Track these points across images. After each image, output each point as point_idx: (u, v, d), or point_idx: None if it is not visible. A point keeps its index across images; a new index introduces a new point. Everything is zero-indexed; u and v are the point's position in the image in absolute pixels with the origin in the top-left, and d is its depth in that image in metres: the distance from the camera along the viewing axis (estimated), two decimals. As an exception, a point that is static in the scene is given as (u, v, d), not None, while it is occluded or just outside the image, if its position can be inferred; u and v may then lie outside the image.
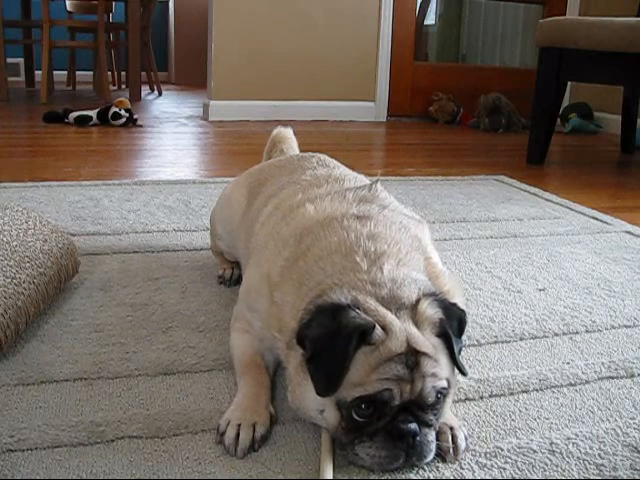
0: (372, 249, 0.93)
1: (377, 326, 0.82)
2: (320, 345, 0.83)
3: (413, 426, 0.82)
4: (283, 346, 0.92)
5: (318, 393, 0.82)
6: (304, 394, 0.86)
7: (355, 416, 0.82)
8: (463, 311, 0.91)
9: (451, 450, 0.85)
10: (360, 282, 0.87)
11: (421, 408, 0.83)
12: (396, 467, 0.83)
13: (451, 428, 0.87)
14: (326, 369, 0.82)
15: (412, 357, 0.82)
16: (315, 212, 1.04)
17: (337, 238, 0.95)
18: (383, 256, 0.92)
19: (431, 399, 0.83)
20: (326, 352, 0.82)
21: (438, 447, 0.85)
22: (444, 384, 0.84)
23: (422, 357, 0.82)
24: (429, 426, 0.83)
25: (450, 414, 0.91)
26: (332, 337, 0.82)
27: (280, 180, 1.25)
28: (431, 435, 0.84)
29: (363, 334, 0.81)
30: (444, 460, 0.85)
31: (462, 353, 1.14)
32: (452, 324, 0.87)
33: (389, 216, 1.03)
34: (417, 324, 0.84)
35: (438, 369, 0.83)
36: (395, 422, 0.81)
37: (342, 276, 0.89)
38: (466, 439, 0.88)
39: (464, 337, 1.19)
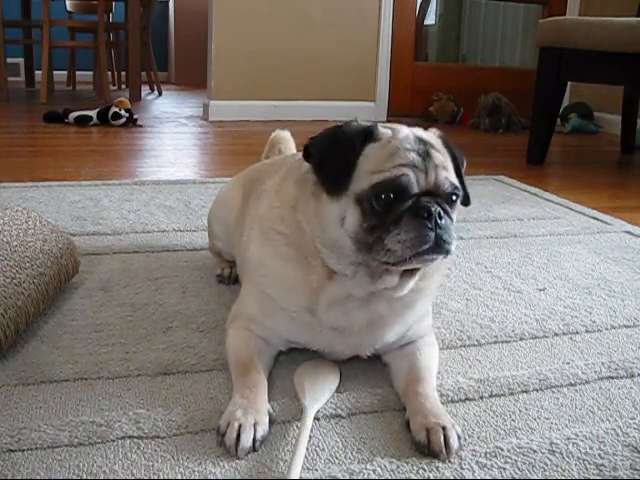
0: None
1: (379, 126, 0.89)
2: (325, 147, 0.89)
3: (437, 207, 0.86)
4: (295, 216, 0.96)
5: (331, 191, 0.87)
6: (323, 212, 0.90)
7: (376, 206, 0.85)
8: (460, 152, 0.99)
9: (443, 450, 0.85)
10: None
11: (440, 196, 0.87)
12: (428, 250, 0.85)
13: (443, 428, 0.87)
14: (334, 164, 0.87)
15: (422, 146, 0.88)
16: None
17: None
18: None
19: (447, 189, 0.88)
20: (332, 151, 0.89)
21: (430, 448, 0.85)
22: (456, 181, 0.90)
23: (432, 149, 0.89)
24: (449, 217, 0.88)
25: (443, 412, 0.91)
26: (337, 138, 0.90)
27: (272, 177, 1.25)
28: (452, 227, 0.87)
29: (368, 132, 0.89)
30: (437, 459, 0.85)
31: (455, 355, 1.15)
32: (455, 151, 0.96)
33: None
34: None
35: (448, 163, 0.90)
36: (419, 203, 0.85)
37: None
38: (459, 438, 0.87)
39: (455, 340, 1.20)
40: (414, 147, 0.88)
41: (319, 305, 0.96)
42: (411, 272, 0.93)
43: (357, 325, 0.98)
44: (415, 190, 0.86)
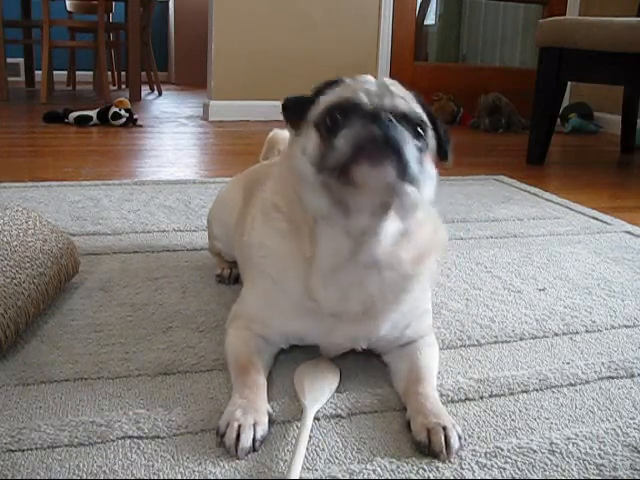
0: None
1: (345, 79, 0.93)
2: (293, 99, 0.96)
3: (390, 117, 0.86)
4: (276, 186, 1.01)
5: (293, 125, 0.94)
6: (291, 153, 0.94)
7: (329, 123, 0.87)
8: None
9: (444, 450, 0.85)
10: None
11: (396, 118, 0.86)
12: (376, 147, 0.84)
13: (444, 428, 0.87)
14: (296, 102, 0.95)
15: (381, 83, 0.92)
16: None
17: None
18: None
19: (402, 109, 0.88)
20: (298, 99, 0.96)
21: (431, 448, 0.85)
22: (422, 114, 0.92)
23: (392, 86, 0.93)
24: (405, 136, 0.86)
25: (444, 412, 0.91)
26: (304, 94, 0.96)
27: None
28: (410, 148, 0.85)
29: (330, 82, 0.94)
30: (437, 459, 0.85)
31: (455, 355, 1.15)
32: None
33: None
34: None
35: (413, 102, 0.93)
36: (368, 113, 0.86)
37: None
38: (460, 438, 0.87)
39: (455, 340, 1.20)
40: (373, 84, 0.91)
41: (313, 277, 0.95)
42: (381, 210, 0.90)
43: (353, 308, 0.96)
44: (368, 106, 0.87)
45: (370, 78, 0.95)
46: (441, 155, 0.96)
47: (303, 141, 0.91)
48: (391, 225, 0.93)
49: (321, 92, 0.94)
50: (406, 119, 0.88)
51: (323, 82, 0.96)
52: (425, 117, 0.92)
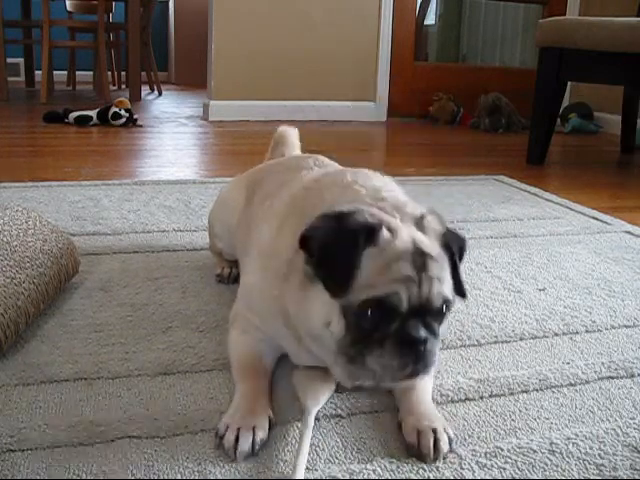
0: (369, 184, 0.97)
1: (383, 227, 0.83)
2: (327, 245, 0.82)
3: (423, 333, 0.81)
4: (284, 285, 0.92)
5: (332, 293, 0.81)
6: (310, 308, 0.85)
7: (363, 322, 0.80)
8: (464, 238, 0.94)
9: (431, 454, 0.85)
10: (362, 199, 0.91)
11: (429, 314, 0.83)
12: (403, 377, 0.83)
13: (434, 430, 0.87)
14: (336, 268, 0.81)
15: (419, 258, 0.82)
16: (303, 180, 1.10)
17: (331, 179, 1.01)
18: (381, 190, 0.96)
19: (438, 304, 0.83)
20: (334, 251, 0.82)
21: (418, 452, 0.85)
22: (449, 293, 0.85)
23: (429, 259, 0.83)
24: (435, 335, 0.83)
25: (436, 415, 0.91)
26: (339, 236, 0.82)
27: (275, 180, 1.25)
28: (437, 345, 0.84)
29: (370, 233, 0.82)
30: (425, 462, 0.84)
31: (455, 355, 1.15)
32: (455, 243, 0.89)
33: (384, 177, 1.08)
34: (422, 232, 0.87)
35: (444, 274, 0.85)
36: (406, 329, 0.81)
37: (344, 197, 0.93)
38: (450, 442, 0.87)
39: (455, 339, 1.20)
40: (411, 259, 0.82)
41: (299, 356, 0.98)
42: None
43: None
44: (405, 307, 0.81)
45: (407, 241, 0.83)
46: (460, 293, 0.90)
47: (327, 312, 0.83)
48: None
49: (360, 248, 0.82)
50: (438, 311, 0.85)
51: (360, 226, 0.82)
52: (449, 294, 0.86)
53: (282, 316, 0.94)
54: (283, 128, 1.66)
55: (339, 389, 1.00)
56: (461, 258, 0.91)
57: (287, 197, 1.07)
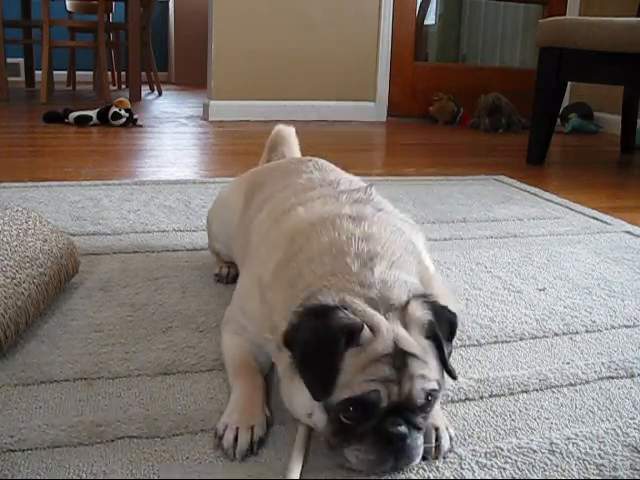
0: (364, 250, 0.92)
1: (365, 326, 0.81)
2: (308, 348, 0.82)
3: (402, 429, 0.80)
4: (274, 347, 0.91)
5: (314, 398, 0.81)
6: (293, 396, 0.85)
7: (343, 419, 0.80)
8: (454, 314, 0.90)
9: (433, 451, 0.85)
10: (349, 283, 0.86)
11: (410, 410, 0.82)
12: (384, 470, 0.82)
13: (436, 429, 0.87)
14: (317, 373, 0.81)
15: (399, 358, 0.81)
16: (306, 213, 1.03)
17: (328, 238, 0.95)
18: (375, 258, 0.91)
19: (420, 401, 0.82)
20: (315, 355, 0.81)
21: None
22: (434, 386, 0.83)
23: (410, 358, 0.82)
24: (418, 429, 0.82)
25: (438, 414, 0.91)
26: (320, 339, 0.81)
27: (276, 183, 1.25)
28: (420, 439, 0.83)
29: (351, 334, 0.80)
30: (426, 459, 0.84)
31: (455, 355, 1.15)
32: (442, 326, 0.86)
33: (383, 218, 1.02)
34: (406, 325, 0.84)
35: (427, 371, 0.82)
36: (384, 425, 0.80)
37: (331, 277, 0.88)
38: (451, 440, 0.87)
39: (455, 340, 1.19)
40: (390, 360, 0.81)
41: None
42: None
43: None
44: (384, 404, 0.80)
45: (387, 340, 0.81)
46: (450, 375, 0.88)
47: (310, 405, 0.83)
48: None
49: (340, 350, 0.80)
50: (420, 406, 0.83)
51: (340, 327, 0.80)
52: (437, 386, 0.84)
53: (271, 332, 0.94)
54: (280, 127, 1.65)
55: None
56: (452, 336, 0.89)
57: (285, 232, 1.02)
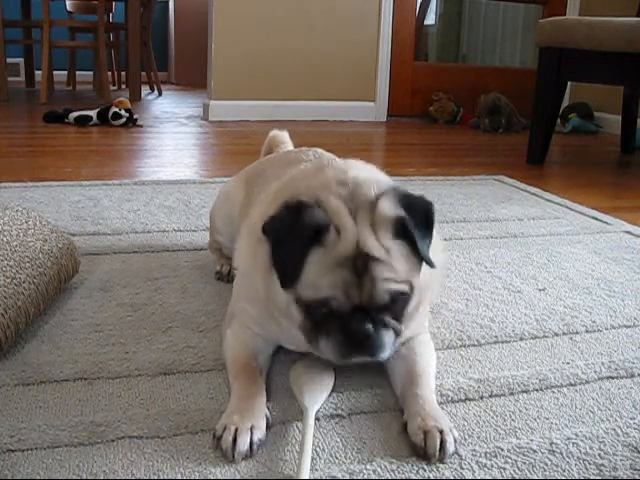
0: (341, 167, 1.00)
1: (331, 227, 0.86)
2: (278, 238, 0.88)
3: (364, 326, 0.87)
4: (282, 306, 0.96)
5: (281, 285, 0.88)
6: (272, 289, 0.92)
7: (311, 316, 0.88)
8: (429, 203, 0.93)
9: (437, 454, 0.85)
10: (327, 183, 0.93)
11: (377, 309, 0.87)
12: (355, 360, 0.90)
13: (441, 432, 0.87)
14: (284, 262, 0.88)
15: (361, 261, 0.85)
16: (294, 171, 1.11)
17: (312, 166, 1.06)
18: (348, 171, 0.97)
19: (383, 301, 0.87)
20: (283, 245, 0.88)
21: (424, 451, 0.85)
22: (402, 287, 0.88)
23: (372, 261, 0.86)
24: (385, 326, 0.88)
25: (441, 415, 0.91)
26: (289, 232, 0.88)
27: (276, 172, 1.26)
28: (388, 335, 0.89)
29: (317, 233, 0.86)
30: (430, 462, 0.84)
31: (455, 355, 1.15)
32: (416, 219, 0.89)
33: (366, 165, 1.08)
34: (374, 224, 0.87)
35: (392, 274, 0.86)
36: (347, 323, 0.87)
37: (312, 181, 0.96)
38: (455, 442, 0.87)
39: (455, 340, 1.20)
40: (351, 264, 0.85)
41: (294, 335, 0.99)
42: None
43: None
44: (346, 308, 0.86)
45: (351, 241, 0.86)
46: (427, 263, 0.92)
47: (287, 300, 0.91)
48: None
49: (308, 246, 0.86)
50: (384, 306, 0.88)
51: (310, 224, 0.86)
52: (407, 288, 0.89)
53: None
54: (274, 132, 1.66)
55: (339, 389, 1.00)
56: (429, 226, 0.92)
57: (274, 186, 1.10)
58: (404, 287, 0.88)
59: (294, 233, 0.87)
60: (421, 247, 0.88)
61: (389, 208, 0.89)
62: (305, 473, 0.80)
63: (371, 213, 0.88)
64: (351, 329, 0.87)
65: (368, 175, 0.98)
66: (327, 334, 0.88)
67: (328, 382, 1.01)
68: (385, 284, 0.86)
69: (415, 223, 0.89)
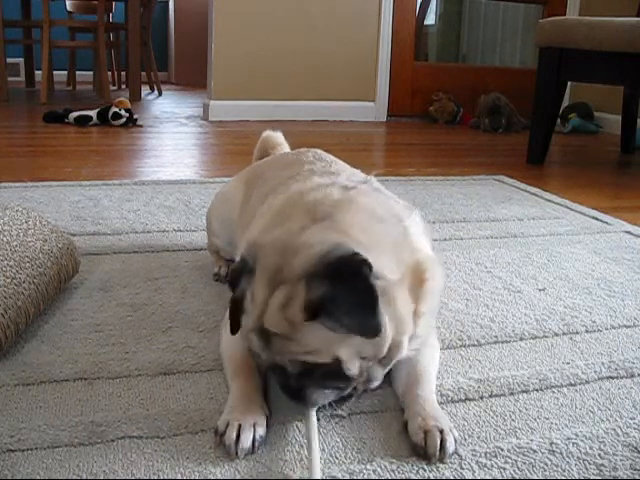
0: (327, 211, 0.92)
1: (247, 296, 0.88)
2: (230, 280, 0.95)
3: (288, 382, 0.88)
4: None
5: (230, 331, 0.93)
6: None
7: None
8: (362, 271, 0.82)
9: (437, 454, 0.85)
10: (278, 239, 0.89)
11: (298, 375, 0.87)
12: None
13: (441, 431, 0.87)
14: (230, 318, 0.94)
15: (264, 334, 0.86)
16: (299, 185, 1.07)
17: (303, 199, 0.97)
18: (326, 220, 0.90)
19: (295, 370, 0.86)
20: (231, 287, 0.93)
21: (424, 450, 0.85)
22: (315, 359, 0.84)
23: (273, 336, 0.85)
24: (319, 386, 0.87)
25: (442, 415, 0.91)
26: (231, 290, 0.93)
27: (276, 175, 1.25)
28: (323, 395, 0.88)
29: (237, 302, 0.90)
30: (431, 461, 0.84)
31: (455, 355, 1.15)
32: (344, 296, 0.81)
33: (375, 195, 1.03)
34: (289, 300, 0.83)
35: (294, 347, 0.84)
36: (274, 377, 0.91)
37: (274, 230, 0.92)
38: (456, 442, 0.87)
39: (455, 340, 1.20)
40: (257, 334, 0.87)
41: None
42: None
43: None
44: (267, 366, 0.91)
45: (253, 319, 0.87)
46: (368, 332, 0.85)
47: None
48: None
49: (234, 314, 0.92)
50: (308, 373, 0.86)
51: (233, 297, 0.92)
52: (326, 359, 0.84)
53: None
54: (268, 133, 1.64)
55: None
56: (362, 296, 0.82)
57: (273, 202, 1.08)
58: (319, 359, 0.83)
59: (231, 296, 0.93)
60: (348, 324, 0.81)
61: (310, 288, 0.82)
62: (317, 473, 0.80)
63: (292, 288, 0.83)
64: (278, 380, 0.90)
65: (324, 238, 0.86)
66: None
67: None
68: (290, 356, 0.85)
69: (341, 300, 0.81)
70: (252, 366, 0.99)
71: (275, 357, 0.87)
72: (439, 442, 0.85)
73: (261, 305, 0.85)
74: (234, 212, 1.36)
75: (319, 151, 1.38)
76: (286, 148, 1.63)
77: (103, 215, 1.93)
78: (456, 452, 0.87)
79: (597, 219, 2.10)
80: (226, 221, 1.42)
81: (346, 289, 0.82)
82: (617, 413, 0.99)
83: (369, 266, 0.83)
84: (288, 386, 0.88)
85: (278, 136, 1.64)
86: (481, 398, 1.01)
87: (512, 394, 1.03)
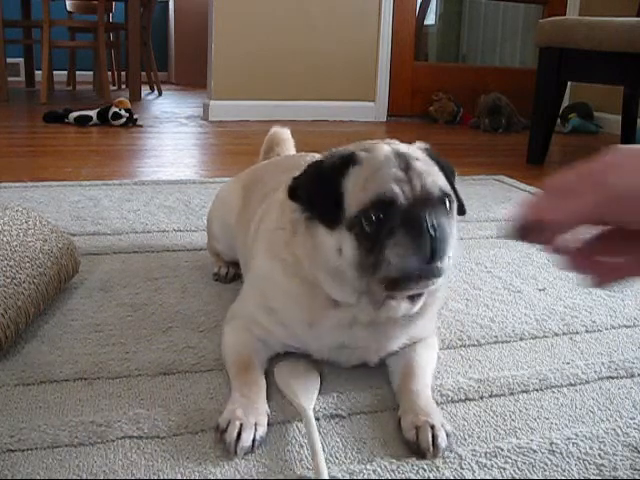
0: None
1: (358, 150, 0.88)
2: (309, 185, 0.90)
3: (428, 216, 0.83)
4: (293, 241, 0.96)
5: (329, 226, 0.87)
6: (320, 245, 0.90)
7: (367, 228, 0.84)
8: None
9: (430, 449, 0.85)
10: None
11: (430, 204, 0.85)
12: (425, 261, 0.83)
13: (432, 427, 0.87)
14: (322, 201, 0.88)
15: (402, 160, 0.87)
16: None
17: None
18: None
19: (436, 193, 0.86)
20: (316, 188, 0.89)
21: (417, 446, 0.85)
22: (445, 186, 0.88)
23: (412, 160, 0.87)
24: (442, 226, 0.84)
25: (434, 410, 0.91)
26: (317, 174, 0.90)
27: (275, 178, 1.25)
28: (447, 239, 0.84)
29: (345, 161, 0.88)
30: (424, 458, 0.84)
31: (455, 355, 1.15)
32: (442, 161, 0.94)
33: None
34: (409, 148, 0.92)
35: (434, 169, 0.89)
36: (409, 215, 0.83)
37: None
38: (448, 437, 0.87)
39: (455, 340, 1.20)
40: (394, 163, 0.87)
41: (323, 328, 0.97)
42: (413, 298, 0.93)
43: (361, 342, 0.99)
44: (402, 201, 0.84)
45: (386, 151, 0.89)
46: (459, 209, 0.94)
47: (336, 241, 0.87)
48: (418, 305, 0.96)
49: (339, 179, 0.88)
50: (438, 203, 0.87)
51: (333, 160, 0.90)
52: (450, 189, 0.90)
53: (299, 280, 0.96)
54: (276, 129, 1.65)
55: (339, 389, 1.00)
56: (452, 178, 0.94)
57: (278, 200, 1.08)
58: (447, 186, 0.89)
59: (322, 172, 0.90)
60: (453, 182, 0.92)
61: (421, 148, 0.94)
62: (324, 473, 0.80)
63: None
64: (415, 216, 0.83)
65: None
66: (390, 237, 0.83)
67: (315, 379, 1.01)
68: (432, 177, 0.87)
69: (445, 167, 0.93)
70: (255, 365, 1.00)
71: (415, 183, 0.85)
72: (431, 438, 0.85)
73: (386, 145, 0.90)
74: (232, 217, 1.36)
75: (317, 155, 1.38)
76: (291, 144, 1.64)
77: (103, 215, 1.93)
78: (451, 447, 0.87)
79: (597, 219, 2.10)
80: (225, 226, 1.42)
81: (443, 161, 0.98)
82: (617, 413, 0.99)
83: None
84: (424, 221, 0.83)
85: (284, 132, 1.64)
86: (481, 398, 1.01)
87: (512, 394, 1.03)
